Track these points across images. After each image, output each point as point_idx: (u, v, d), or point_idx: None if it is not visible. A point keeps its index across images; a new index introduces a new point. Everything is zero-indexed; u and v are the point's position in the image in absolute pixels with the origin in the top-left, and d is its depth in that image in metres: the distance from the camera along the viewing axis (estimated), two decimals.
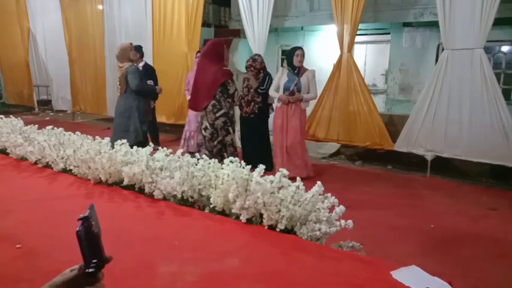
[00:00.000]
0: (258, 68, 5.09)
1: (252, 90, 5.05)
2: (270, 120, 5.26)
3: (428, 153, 5.04)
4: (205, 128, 4.44)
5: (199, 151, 4.55)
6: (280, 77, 4.87)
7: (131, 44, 4.75)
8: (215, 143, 4.40)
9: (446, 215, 3.85)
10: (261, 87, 5.01)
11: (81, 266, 0.82)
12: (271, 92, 4.96)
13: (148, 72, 5.94)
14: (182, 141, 5.94)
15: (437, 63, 4.98)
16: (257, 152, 5.02)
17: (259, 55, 5.32)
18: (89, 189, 3.02)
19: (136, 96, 4.56)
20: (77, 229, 0.80)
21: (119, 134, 4.45)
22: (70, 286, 0.80)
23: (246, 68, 5.17)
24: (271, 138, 5.25)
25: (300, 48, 4.83)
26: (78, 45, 8.70)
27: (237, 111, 5.01)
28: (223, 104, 4.36)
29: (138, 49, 5.84)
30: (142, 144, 4.48)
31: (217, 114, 4.36)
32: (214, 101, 4.34)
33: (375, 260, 1.97)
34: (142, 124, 4.64)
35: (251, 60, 5.14)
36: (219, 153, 4.23)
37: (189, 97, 5.15)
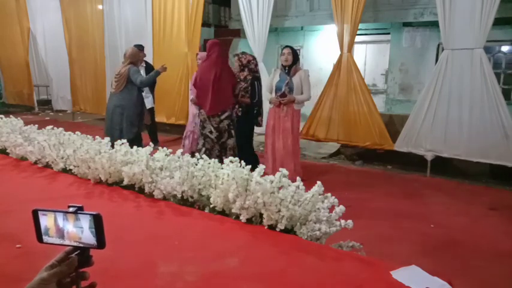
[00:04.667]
0: (243, 63, 4.74)
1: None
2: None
3: (428, 153, 5.04)
4: (210, 132, 4.42)
5: (192, 153, 4.48)
6: (272, 77, 4.72)
7: (144, 54, 5.06)
8: (218, 145, 4.40)
9: (446, 215, 3.85)
10: (253, 101, 4.71)
11: (70, 252, 0.82)
12: (264, 92, 4.81)
13: (149, 71, 5.93)
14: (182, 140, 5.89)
15: (437, 63, 4.98)
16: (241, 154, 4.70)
17: (253, 57, 5.00)
18: (88, 189, 3.01)
19: (131, 95, 4.71)
20: (96, 212, 0.80)
21: (111, 129, 4.65)
22: (60, 277, 0.79)
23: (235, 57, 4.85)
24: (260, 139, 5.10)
25: (287, 47, 4.65)
26: (78, 45, 8.71)
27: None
28: None
29: (142, 49, 5.85)
30: (137, 140, 4.56)
31: (222, 117, 4.35)
32: None
33: (375, 260, 1.97)
34: (135, 121, 4.80)
35: (240, 53, 4.91)
36: (219, 156, 4.16)
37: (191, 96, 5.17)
